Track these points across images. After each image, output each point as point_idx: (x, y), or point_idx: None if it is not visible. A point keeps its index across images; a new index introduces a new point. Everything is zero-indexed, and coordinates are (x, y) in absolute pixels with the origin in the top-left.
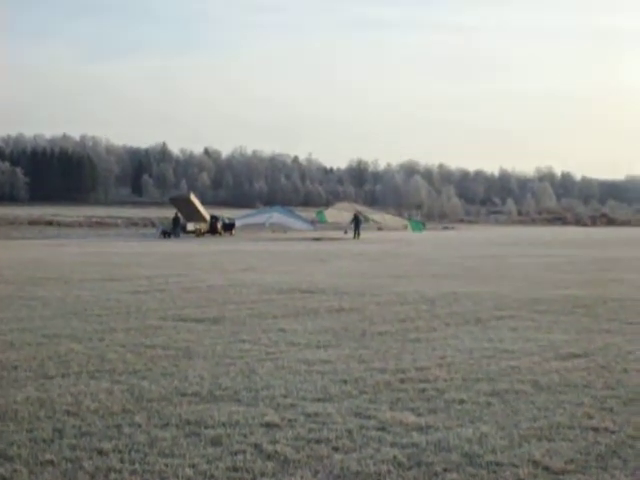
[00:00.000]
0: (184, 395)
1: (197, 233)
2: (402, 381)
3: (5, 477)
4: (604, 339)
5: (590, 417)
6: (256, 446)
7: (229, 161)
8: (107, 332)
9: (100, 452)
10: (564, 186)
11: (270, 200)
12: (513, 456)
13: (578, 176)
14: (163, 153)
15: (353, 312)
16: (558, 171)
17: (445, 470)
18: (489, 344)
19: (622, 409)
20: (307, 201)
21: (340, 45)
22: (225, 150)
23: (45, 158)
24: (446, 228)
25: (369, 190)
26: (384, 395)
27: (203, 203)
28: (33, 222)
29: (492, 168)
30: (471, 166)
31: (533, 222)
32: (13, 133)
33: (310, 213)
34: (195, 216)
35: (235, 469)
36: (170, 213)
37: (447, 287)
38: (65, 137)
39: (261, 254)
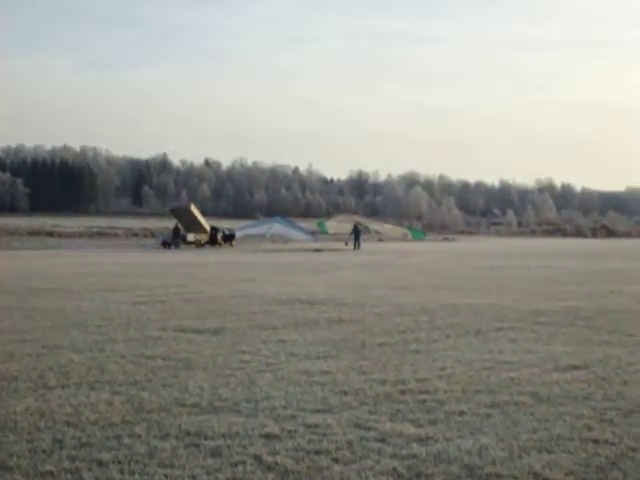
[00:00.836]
0: (184, 406)
1: (197, 244)
2: (402, 392)
3: None
4: (604, 351)
5: (590, 429)
6: (256, 457)
7: (229, 172)
8: (107, 343)
9: (100, 463)
10: (564, 197)
11: (270, 211)
12: (513, 468)
13: (578, 188)
14: (164, 164)
15: (353, 323)
16: (558, 182)
17: None
18: (489, 355)
19: (622, 421)
20: (307, 212)
21: (341, 56)
22: (225, 161)
23: (45, 169)
24: (446, 239)
25: (369, 201)
26: (384, 406)
27: (203, 214)
28: (33, 232)
29: (492, 179)
30: (471, 177)
31: (533, 233)
32: (13, 144)
33: (310, 224)
34: (195, 227)
35: None
36: (170, 224)
37: (447, 298)
38: (65, 148)
39: (261, 265)
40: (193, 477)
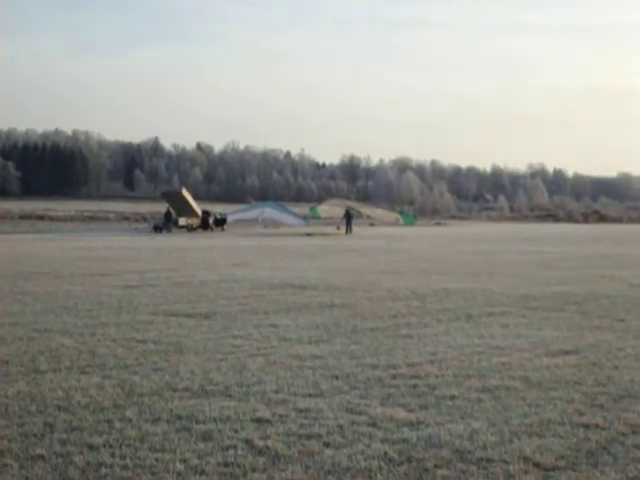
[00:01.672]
0: (175, 390)
1: (189, 228)
2: (393, 377)
3: None
4: (595, 336)
5: (581, 413)
6: (247, 441)
7: (221, 156)
8: (98, 327)
9: (91, 447)
10: (556, 183)
11: (262, 195)
12: (504, 452)
13: (570, 173)
14: (155, 148)
15: (345, 308)
16: (550, 168)
17: (436, 466)
18: (480, 340)
19: (613, 406)
20: (299, 196)
21: (333, 42)
22: (217, 145)
23: (37, 153)
24: (438, 224)
25: (361, 186)
26: (375, 391)
27: (195, 198)
28: (25, 216)
29: (484, 164)
30: (463, 162)
31: (525, 218)
32: (5, 127)
33: (302, 208)
34: (187, 211)
35: (226, 464)
36: (162, 208)
37: (439, 283)
38: (57, 132)
39: (253, 249)
40: (184, 461)
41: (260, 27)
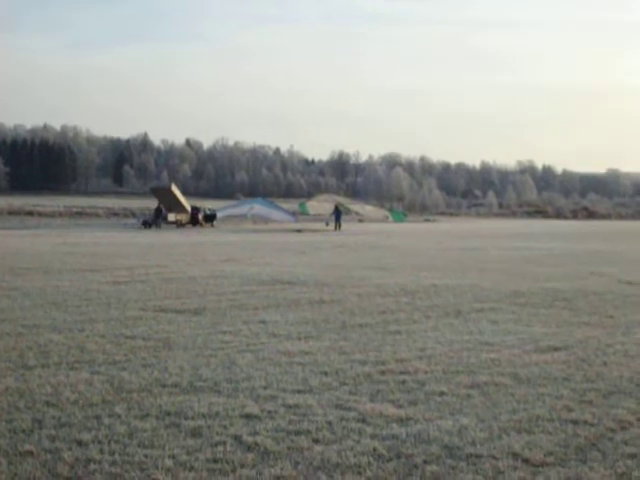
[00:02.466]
0: (164, 386)
1: (178, 224)
2: (382, 373)
3: None
4: (584, 332)
5: (570, 410)
6: (236, 437)
7: (211, 152)
8: (87, 323)
9: (80, 443)
10: (545, 179)
11: (251, 191)
12: (493, 448)
13: (559, 169)
14: (144, 144)
15: (334, 304)
16: (539, 164)
17: (425, 462)
18: (469, 336)
19: (601, 402)
20: (288, 193)
21: (325, 38)
22: (207, 141)
23: (26, 148)
24: (427, 220)
25: (351, 182)
26: (364, 387)
27: (184, 194)
28: (13, 212)
29: (473, 161)
30: (452, 158)
31: (514, 215)
32: None
33: (291, 205)
34: (176, 207)
35: (215, 460)
36: (151, 203)
37: (428, 279)
38: (46, 127)
39: (242, 245)
40: (173, 457)
41: (248, 25)
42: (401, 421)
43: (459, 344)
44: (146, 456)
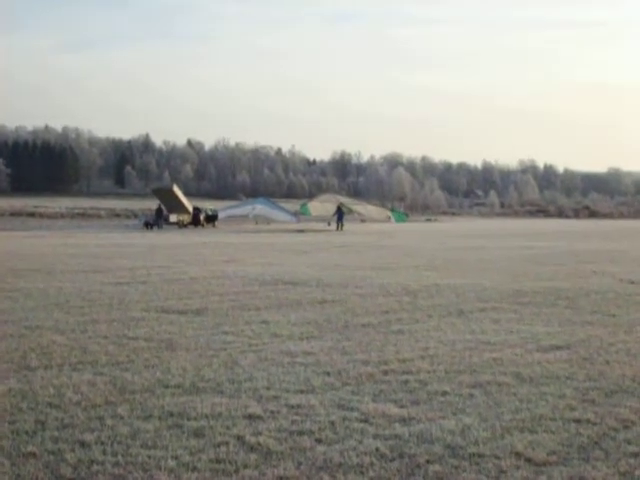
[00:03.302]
0: (167, 387)
1: (180, 224)
2: (385, 373)
3: None
4: (586, 331)
5: (572, 409)
6: (239, 438)
7: (212, 153)
8: (89, 324)
9: (82, 444)
10: (547, 178)
11: (253, 192)
12: (495, 448)
13: (561, 168)
14: (146, 145)
15: (336, 304)
16: (541, 163)
17: (428, 462)
18: (471, 336)
19: (604, 401)
20: (290, 193)
21: (324, 38)
22: (208, 142)
23: (27, 150)
24: (429, 220)
25: (352, 182)
26: (367, 387)
27: (186, 195)
28: (15, 213)
29: (475, 160)
30: (454, 158)
31: (516, 214)
32: None
33: (293, 205)
34: (178, 208)
35: (218, 461)
36: (153, 204)
37: (430, 279)
38: (47, 129)
39: (244, 246)
40: (176, 458)
41: (251, 25)
42: (404, 421)
43: (461, 343)
44: (149, 457)
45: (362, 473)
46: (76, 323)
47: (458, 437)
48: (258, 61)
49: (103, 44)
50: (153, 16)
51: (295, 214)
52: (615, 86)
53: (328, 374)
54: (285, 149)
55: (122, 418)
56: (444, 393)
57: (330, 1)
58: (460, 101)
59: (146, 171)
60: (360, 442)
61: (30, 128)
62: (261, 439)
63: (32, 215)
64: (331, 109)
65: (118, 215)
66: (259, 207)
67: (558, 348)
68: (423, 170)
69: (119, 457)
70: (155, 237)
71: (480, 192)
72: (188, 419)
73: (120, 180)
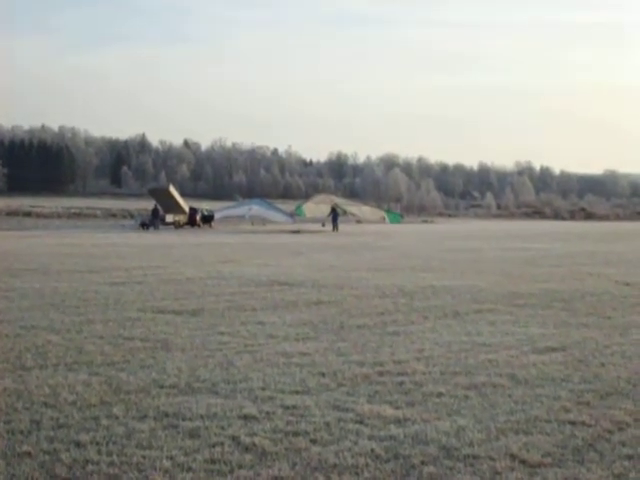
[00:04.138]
0: (162, 387)
1: (176, 225)
2: (380, 374)
3: None
4: (582, 333)
5: (567, 411)
6: (234, 438)
7: (209, 153)
8: (85, 324)
9: (78, 444)
10: (543, 180)
11: (249, 192)
12: (490, 449)
13: (557, 170)
14: (142, 145)
15: (332, 305)
16: (537, 165)
17: (422, 463)
18: (467, 337)
19: (599, 403)
20: (286, 194)
21: (322, 40)
22: (205, 142)
23: (23, 149)
24: (425, 221)
25: (348, 183)
26: (362, 388)
27: (182, 195)
28: (11, 213)
29: (471, 162)
30: (450, 160)
31: (512, 216)
32: None
33: (289, 206)
34: (174, 208)
35: (213, 461)
36: (149, 205)
37: (426, 280)
38: (44, 128)
39: (240, 246)
40: (171, 458)
41: (246, 27)
42: (399, 422)
43: (457, 345)
44: (144, 457)
45: (357, 474)
46: (72, 323)
47: (453, 438)
48: (255, 62)
49: (98, 44)
50: (150, 17)
51: (291, 214)
52: (613, 87)
53: (323, 375)
54: (281, 150)
55: (117, 418)
56: (439, 394)
57: (325, 2)
58: (459, 101)
59: (142, 171)
60: (355, 443)
61: (26, 127)
62: (256, 440)
63: (28, 215)
64: (327, 110)
65: (114, 215)
66: (255, 208)
67: (553, 350)
68: (419, 171)
69: (114, 457)
70: (151, 237)
71: (476, 193)
72: (183, 419)
73: (116, 180)
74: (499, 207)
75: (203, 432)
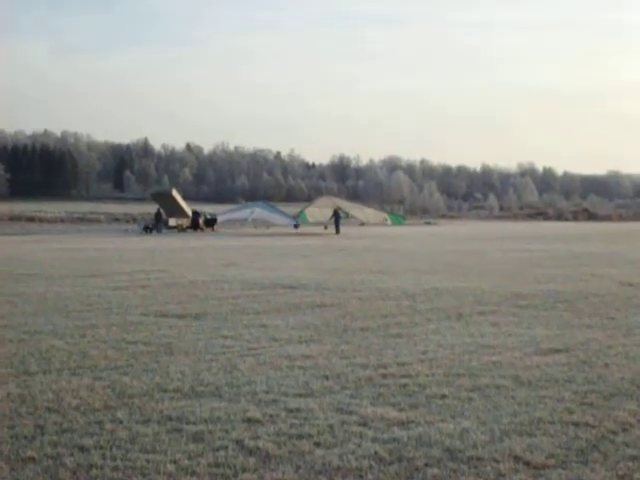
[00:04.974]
0: (166, 391)
1: (179, 228)
2: (384, 376)
3: None
4: (585, 334)
5: (571, 412)
6: (238, 442)
7: (211, 157)
8: (88, 328)
9: (81, 448)
10: (546, 181)
11: (252, 196)
12: (494, 451)
13: (560, 171)
14: (145, 149)
15: (335, 308)
16: (540, 166)
17: (426, 465)
18: (470, 339)
19: (603, 404)
20: (289, 197)
21: (323, 40)
22: (207, 146)
23: (26, 154)
24: (428, 223)
25: (351, 185)
26: (366, 390)
27: (185, 199)
28: (14, 218)
29: (474, 163)
30: (453, 161)
31: (515, 217)
32: None
33: (292, 209)
34: (177, 212)
35: (217, 465)
36: (152, 209)
37: (429, 282)
38: (46, 133)
39: (243, 250)
40: (175, 462)
41: (248, 29)
42: (402, 424)
43: (460, 347)
44: (148, 461)
45: (361, 477)
46: (75, 328)
47: (457, 440)
48: (257, 64)
49: (101, 48)
50: (150, 20)
51: (294, 217)
52: (615, 88)
53: (327, 378)
54: (284, 153)
55: (121, 422)
56: (443, 396)
57: (326, 3)
58: (458, 105)
59: (145, 175)
60: (359, 446)
61: (29, 132)
62: (260, 443)
63: (31, 220)
64: (330, 112)
65: (117, 219)
66: (258, 211)
67: (557, 351)
68: (422, 173)
69: (118, 461)
70: (154, 241)
71: (479, 195)
72: (187, 423)
73: (119, 184)
74: (502, 208)
75: (207, 436)
